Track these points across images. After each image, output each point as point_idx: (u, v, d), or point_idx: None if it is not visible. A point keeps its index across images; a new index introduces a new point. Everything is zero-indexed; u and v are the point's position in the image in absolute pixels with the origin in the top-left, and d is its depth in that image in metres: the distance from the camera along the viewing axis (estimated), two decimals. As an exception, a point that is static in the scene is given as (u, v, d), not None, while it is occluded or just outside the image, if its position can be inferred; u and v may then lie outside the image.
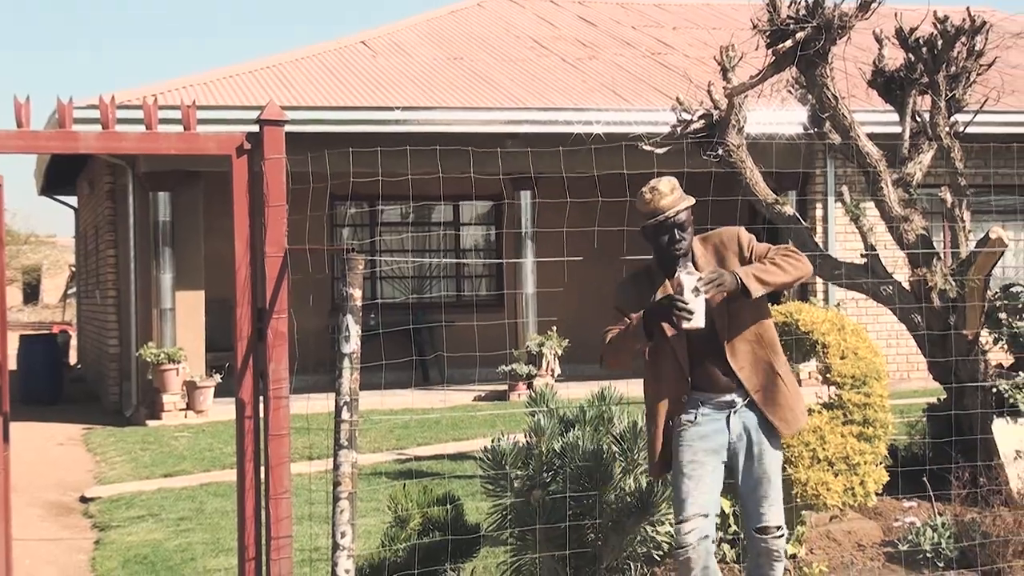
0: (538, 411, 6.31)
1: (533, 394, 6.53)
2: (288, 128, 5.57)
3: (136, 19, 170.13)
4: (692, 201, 5.37)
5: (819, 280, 16.78)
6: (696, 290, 5.13)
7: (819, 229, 18.04)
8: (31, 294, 53.07)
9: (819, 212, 18.28)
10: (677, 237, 5.33)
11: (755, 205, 8.88)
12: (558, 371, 17.00)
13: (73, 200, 26.35)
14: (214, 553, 8.27)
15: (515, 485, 6.07)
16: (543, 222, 16.98)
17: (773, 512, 5.27)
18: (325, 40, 20.12)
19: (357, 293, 5.26)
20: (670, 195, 5.32)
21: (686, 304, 5.11)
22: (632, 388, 7.66)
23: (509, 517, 5.97)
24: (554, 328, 17.08)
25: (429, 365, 18.37)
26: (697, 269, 5.35)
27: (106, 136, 5.57)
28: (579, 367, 15.07)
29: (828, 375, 6.30)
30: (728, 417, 5.32)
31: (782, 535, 5.30)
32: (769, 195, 8.76)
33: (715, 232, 5.49)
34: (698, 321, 5.17)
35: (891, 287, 8.48)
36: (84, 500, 10.73)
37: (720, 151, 8.55)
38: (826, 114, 8.64)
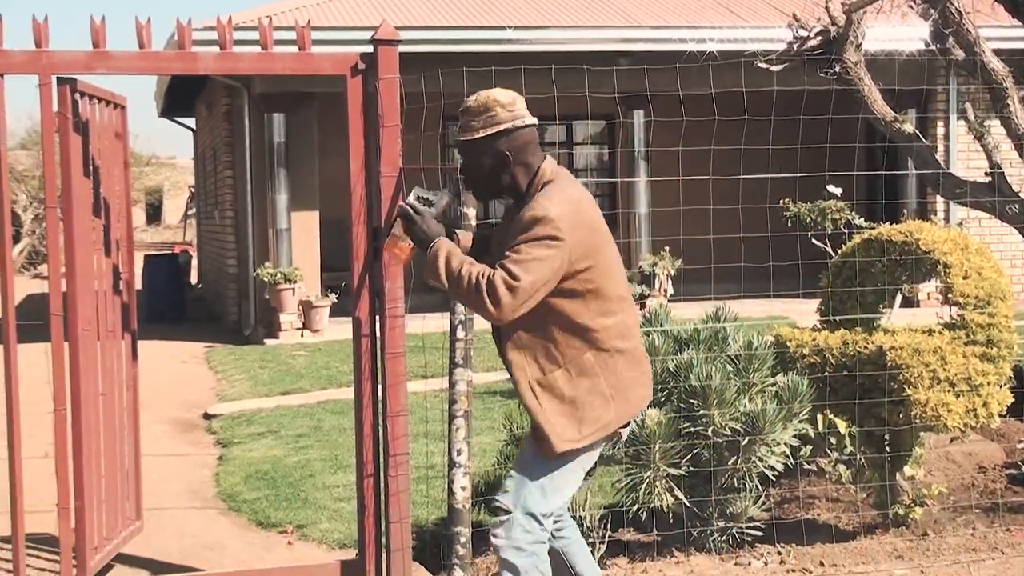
0: (652, 331, 6.29)
1: (647, 314, 6.51)
2: (401, 48, 5.57)
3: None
4: (475, 135, 4.40)
5: (940, 199, 16.45)
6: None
7: (940, 147, 17.66)
8: (153, 215, 54.08)
9: (940, 130, 17.88)
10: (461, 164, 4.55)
11: (873, 123, 8.69)
12: (671, 291, 16.94)
13: (192, 122, 26.72)
14: (332, 469, 8.42)
15: (629, 404, 6.06)
16: (657, 141, 16.84)
17: (502, 489, 4.50)
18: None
19: (471, 212, 5.27)
20: (463, 118, 4.45)
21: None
22: (747, 308, 7.62)
23: (624, 436, 5.96)
24: (667, 248, 17.00)
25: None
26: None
27: (224, 57, 5.63)
28: (692, 287, 14.99)
29: (950, 295, 6.19)
30: None
31: (501, 521, 4.42)
32: (888, 113, 8.57)
33: (539, 196, 4.39)
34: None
35: (1017, 206, 8.28)
36: (207, 417, 10.97)
37: (837, 68, 8.36)
38: (949, 30, 8.39)
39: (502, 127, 4.41)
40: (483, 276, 4.22)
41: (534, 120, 4.49)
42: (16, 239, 32.15)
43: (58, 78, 5.49)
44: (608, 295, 4.37)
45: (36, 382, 6.21)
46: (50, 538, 6.43)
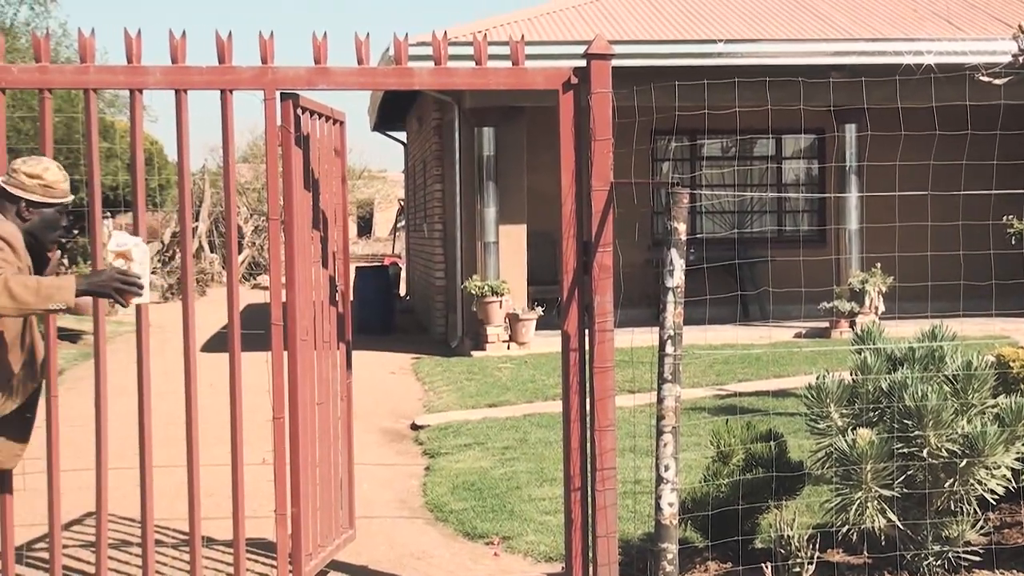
0: (864, 349, 6.16)
1: (859, 332, 6.37)
2: (613, 62, 5.58)
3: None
4: None
5: None
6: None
7: None
8: (364, 227, 55.26)
9: None
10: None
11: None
12: (882, 308, 16.56)
13: (402, 136, 27.24)
14: (538, 482, 8.46)
15: (840, 424, 5.95)
16: (869, 156, 16.50)
17: None
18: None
19: (682, 227, 5.24)
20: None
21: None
22: (965, 327, 7.39)
23: (834, 456, 5.86)
24: (878, 265, 16.62)
25: (748, 301, 18.20)
26: None
27: (438, 72, 5.72)
28: (905, 305, 14.65)
29: None
30: None
31: None
32: (1120, 126, 8.21)
33: None
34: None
35: None
36: (415, 427, 11.15)
37: (1066, 80, 8.07)
38: None
39: None
40: None
41: None
42: (238, 250, 33.22)
43: (281, 93, 5.66)
44: None
45: (254, 390, 6.41)
46: (267, 543, 6.63)
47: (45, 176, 4.99)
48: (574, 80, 5.60)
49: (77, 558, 6.70)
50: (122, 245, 4.84)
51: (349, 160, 6.96)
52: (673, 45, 16.29)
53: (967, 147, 7.46)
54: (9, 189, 4.98)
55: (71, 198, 5.11)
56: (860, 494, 5.74)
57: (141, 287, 4.83)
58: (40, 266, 5.10)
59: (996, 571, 5.93)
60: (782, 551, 5.81)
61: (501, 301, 16.15)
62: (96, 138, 5.61)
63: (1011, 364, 6.21)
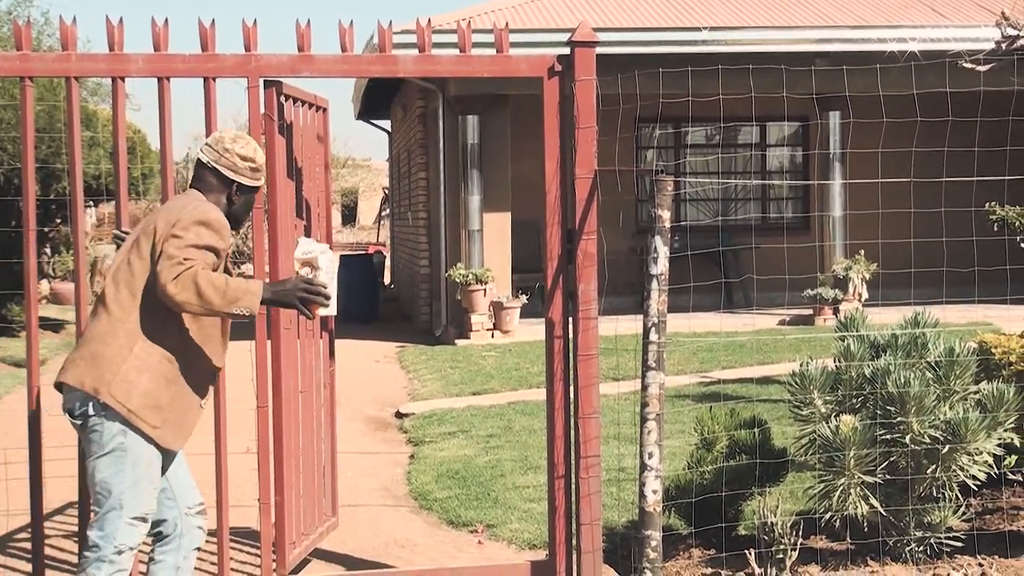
0: (848, 335, 6.18)
1: (842, 319, 6.39)
2: (597, 50, 5.58)
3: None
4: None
5: None
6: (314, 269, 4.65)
7: None
8: (348, 216, 55.14)
9: None
10: None
11: (1086, 123, 8.37)
12: (865, 295, 16.61)
13: (387, 124, 27.18)
14: (523, 470, 8.47)
15: (823, 410, 5.97)
16: (852, 143, 16.54)
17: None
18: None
19: (666, 215, 5.25)
20: None
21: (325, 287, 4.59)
22: (948, 313, 7.42)
23: (817, 442, 5.88)
24: (862, 252, 16.67)
25: (732, 288, 18.24)
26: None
27: (422, 60, 5.72)
28: (888, 292, 14.68)
29: None
30: None
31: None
32: (1102, 112, 8.24)
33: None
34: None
35: None
36: (399, 416, 11.15)
37: (1048, 67, 8.08)
38: None
39: None
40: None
41: None
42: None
43: (264, 81, 5.64)
44: None
45: (237, 378, 6.39)
46: (251, 532, 6.62)
47: (256, 159, 4.75)
48: (558, 68, 5.60)
49: (60, 548, 6.69)
50: (308, 253, 4.62)
51: (334, 148, 6.92)
52: (657, 33, 16.30)
53: (948, 134, 7.48)
54: (223, 171, 4.71)
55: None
56: (843, 480, 5.76)
57: (328, 297, 4.58)
58: None
59: (978, 556, 5.95)
60: (765, 538, 5.82)
61: (485, 289, 16.14)
62: (78, 127, 5.59)
63: (993, 350, 6.23)
